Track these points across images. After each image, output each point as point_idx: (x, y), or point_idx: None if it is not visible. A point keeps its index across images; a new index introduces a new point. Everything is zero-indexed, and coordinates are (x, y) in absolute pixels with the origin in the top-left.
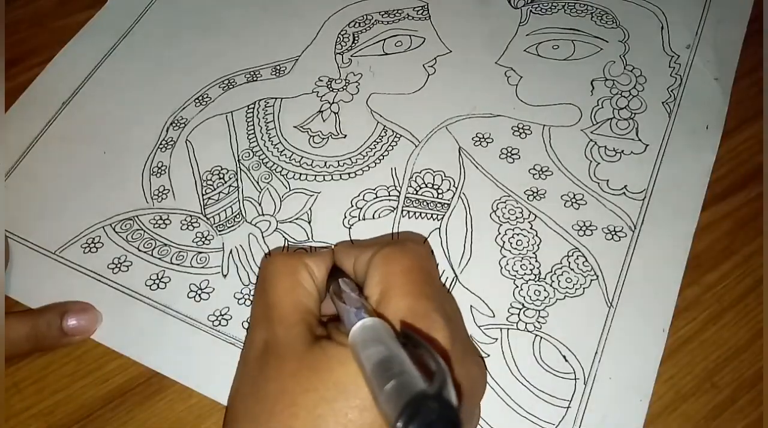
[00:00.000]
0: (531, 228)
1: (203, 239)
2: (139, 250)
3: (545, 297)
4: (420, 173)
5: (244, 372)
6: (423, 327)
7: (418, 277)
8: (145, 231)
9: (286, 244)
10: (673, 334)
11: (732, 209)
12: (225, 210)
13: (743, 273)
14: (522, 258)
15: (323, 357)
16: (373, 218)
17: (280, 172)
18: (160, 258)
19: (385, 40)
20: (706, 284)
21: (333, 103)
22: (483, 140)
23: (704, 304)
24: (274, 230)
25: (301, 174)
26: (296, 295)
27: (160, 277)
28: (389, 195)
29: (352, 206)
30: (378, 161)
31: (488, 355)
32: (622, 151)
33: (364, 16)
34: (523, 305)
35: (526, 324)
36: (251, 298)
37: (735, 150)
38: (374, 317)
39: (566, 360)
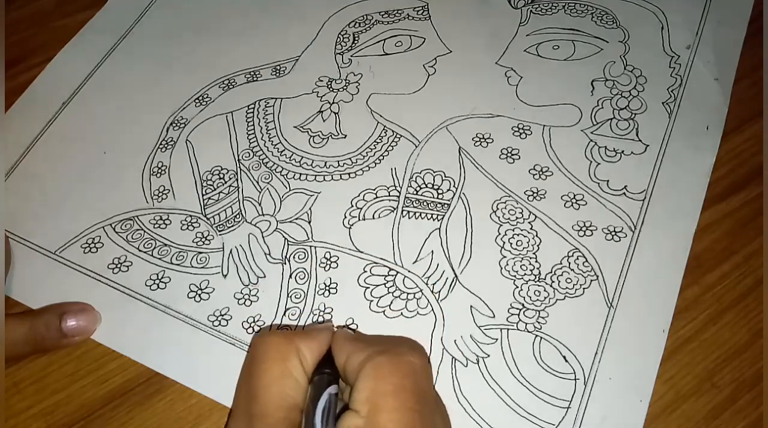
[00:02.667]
0: (531, 228)
1: (203, 239)
2: (139, 250)
3: (545, 298)
4: (420, 173)
5: None
6: None
7: (408, 402)
8: (145, 231)
9: (279, 324)
10: (673, 334)
11: (732, 209)
12: (225, 210)
13: (743, 273)
14: (522, 258)
15: None
16: (373, 218)
17: (280, 172)
18: (160, 258)
19: (385, 40)
20: (706, 284)
21: (333, 103)
22: (483, 140)
23: (704, 304)
24: (274, 230)
25: (301, 174)
26: (283, 386)
27: (160, 277)
28: (389, 195)
29: (352, 206)
30: (378, 161)
31: (488, 355)
32: (623, 151)
33: (365, 17)
34: (523, 305)
35: (526, 324)
36: (251, 298)
37: (735, 150)
38: None
39: (566, 361)
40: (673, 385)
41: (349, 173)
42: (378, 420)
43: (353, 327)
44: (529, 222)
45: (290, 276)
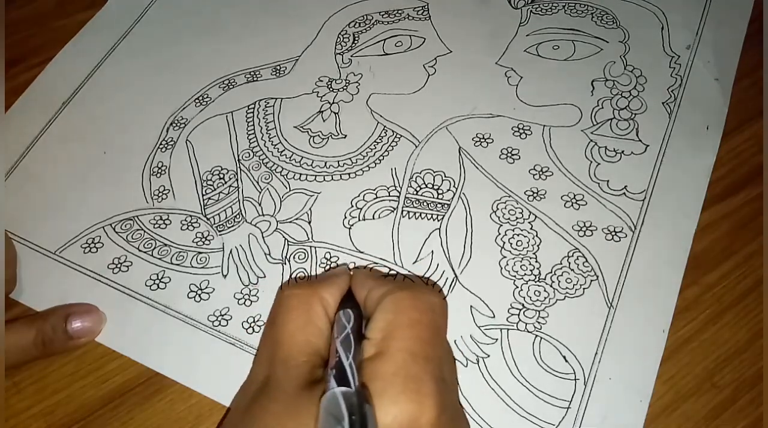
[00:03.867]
0: (531, 228)
1: (203, 240)
2: (139, 250)
3: (545, 298)
4: (420, 173)
5: (237, 405)
6: (412, 390)
7: (422, 334)
8: (145, 231)
9: (302, 273)
10: (673, 334)
11: (732, 209)
12: (225, 210)
13: (743, 273)
14: (522, 259)
15: (309, 404)
16: (373, 218)
17: (280, 172)
18: (160, 258)
19: (385, 40)
20: (706, 284)
21: (333, 103)
22: (483, 140)
23: (704, 304)
24: (274, 230)
25: (301, 174)
26: (306, 334)
27: (160, 277)
28: (389, 195)
29: (352, 206)
30: (378, 161)
31: (488, 356)
32: (623, 151)
33: (365, 17)
34: (523, 305)
35: (526, 324)
36: (251, 298)
37: (735, 150)
38: (342, 389)
39: (566, 361)
40: (673, 385)
41: (349, 173)
42: (389, 345)
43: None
44: (529, 222)
45: (290, 276)
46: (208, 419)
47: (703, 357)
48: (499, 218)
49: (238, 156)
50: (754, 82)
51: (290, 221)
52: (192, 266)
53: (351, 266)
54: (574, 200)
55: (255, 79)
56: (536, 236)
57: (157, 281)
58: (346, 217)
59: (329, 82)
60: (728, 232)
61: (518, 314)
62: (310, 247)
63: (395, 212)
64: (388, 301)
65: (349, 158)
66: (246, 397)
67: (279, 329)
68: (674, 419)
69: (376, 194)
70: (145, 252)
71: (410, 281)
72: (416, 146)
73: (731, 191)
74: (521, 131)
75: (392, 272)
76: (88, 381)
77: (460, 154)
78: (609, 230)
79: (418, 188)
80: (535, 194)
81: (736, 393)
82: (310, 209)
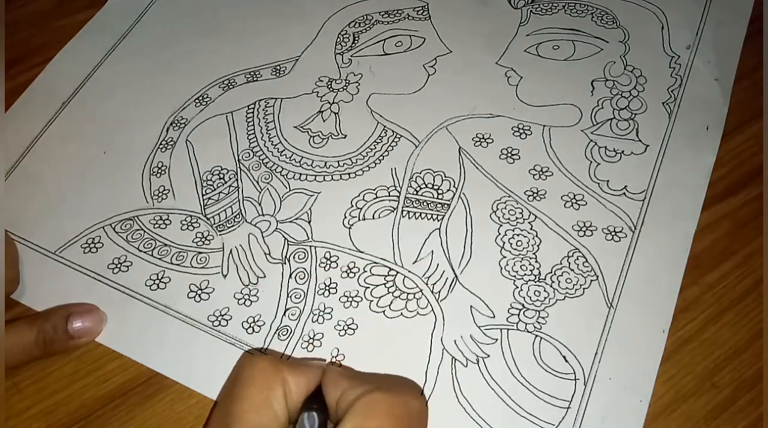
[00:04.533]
0: (531, 229)
1: (203, 240)
2: (139, 250)
3: (545, 298)
4: (420, 173)
5: None
6: None
7: None
8: (145, 231)
9: (266, 348)
10: (673, 334)
11: (732, 209)
12: (225, 210)
13: (743, 273)
14: (522, 259)
15: None
16: (373, 218)
17: (280, 172)
18: (160, 258)
19: (385, 40)
20: (706, 284)
21: (333, 103)
22: (483, 140)
23: (704, 304)
24: (274, 230)
25: (301, 174)
26: (261, 416)
27: (160, 277)
28: (389, 195)
29: (352, 206)
30: (378, 161)
31: (488, 355)
32: (623, 151)
33: (365, 17)
34: (523, 305)
35: (526, 324)
36: (251, 298)
37: (735, 150)
38: None
39: (566, 361)
40: (673, 385)
41: (349, 173)
42: None
43: (340, 360)
44: (529, 222)
45: (290, 276)
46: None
47: (703, 357)
48: (499, 218)
49: (238, 156)
50: (755, 83)
51: (290, 221)
52: (192, 266)
53: (327, 360)
54: (574, 200)
55: (255, 79)
56: (536, 236)
57: (157, 281)
58: (346, 217)
59: (329, 82)
60: (728, 232)
61: (518, 315)
62: (310, 247)
63: (395, 211)
64: (362, 403)
65: (349, 158)
66: None
67: (233, 404)
68: (674, 419)
69: (376, 194)
70: (145, 252)
71: (389, 382)
72: (416, 146)
73: (731, 191)
74: (521, 131)
75: (366, 371)
76: (88, 381)
77: (460, 154)
78: (609, 230)
79: (418, 188)
80: (535, 194)
81: (736, 393)
82: (310, 208)
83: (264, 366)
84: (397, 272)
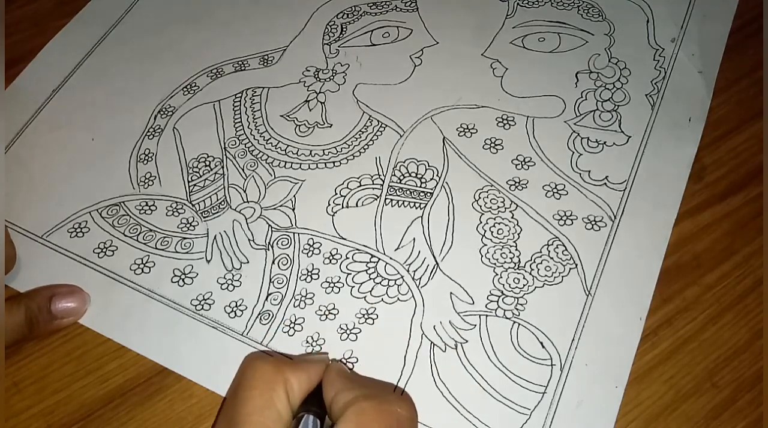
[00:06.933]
0: (512, 217)
1: (188, 225)
2: (125, 235)
3: (524, 285)
4: (404, 162)
5: None
6: None
7: None
8: (131, 217)
9: (268, 348)
10: (673, 334)
11: (732, 209)
12: (210, 197)
13: (743, 273)
14: (502, 247)
15: None
16: (357, 206)
17: (266, 160)
18: (145, 243)
19: (372, 31)
20: (706, 284)
21: (319, 92)
22: (467, 130)
23: (704, 304)
24: (258, 217)
25: (286, 162)
26: (264, 418)
27: (144, 262)
28: (373, 184)
29: (336, 193)
30: (363, 150)
31: (466, 341)
32: (605, 142)
33: (353, 8)
34: (502, 292)
35: (505, 311)
36: (234, 283)
37: (735, 150)
38: None
39: (543, 347)
40: (673, 385)
41: (333, 162)
42: None
43: (351, 360)
44: (511, 211)
45: (273, 262)
46: (208, 419)
47: (703, 357)
48: (481, 206)
49: (225, 144)
50: (754, 82)
51: (274, 208)
52: (176, 252)
53: (330, 356)
54: (555, 190)
55: (243, 68)
56: (517, 224)
57: (141, 266)
58: (329, 204)
59: (316, 72)
60: (728, 232)
61: (497, 301)
62: (294, 233)
63: (378, 199)
64: (352, 412)
65: (335, 147)
66: None
67: (237, 407)
68: (674, 419)
69: (360, 182)
70: (130, 237)
71: (380, 388)
72: (401, 136)
73: (731, 191)
74: (505, 121)
75: (361, 374)
76: (88, 381)
77: (444, 144)
78: (589, 220)
79: (401, 177)
80: (517, 184)
81: (736, 393)
82: (294, 196)
83: (265, 368)
84: (379, 259)
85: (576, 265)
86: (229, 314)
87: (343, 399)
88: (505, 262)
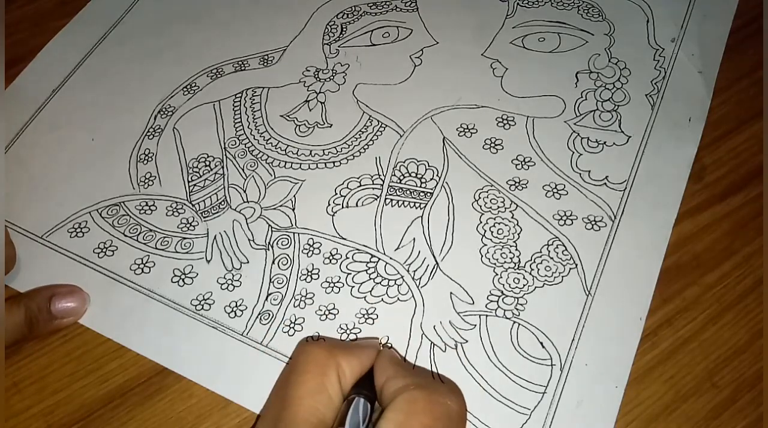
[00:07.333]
0: (512, 217)
1: (188, 225)
2: (125, 235)
3: (524, 285)
4: (404, 162)
5: None
6: None
7: None
8: (131, 217)
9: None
10: (673, 334)
11: (732, 209)
12: (210, 197)
13: (743, 273)
14: (502, 247)
15: None
16: (357, 205)
17: (266, 160)
18: (145, 243)
19: (372, 31)
20: (706, 284)
21: (320, 92)
22: (467, 130)
23: (704, 304)
24: (258, 217)
25: (286, 162)
26: (316, 401)
27: (144, 262)
28: (373, 184)
29: (336, 193)
30: (363, 150)
31: (466, 341)
32: (605, 142)
33: (353, 8)
34: (502, 292)
35: (505, 311)
36: (234, 283)
37: (735, 150)
38: None
39: (543, 347)
40: (673, 385)
41: (333, 162)
42: None
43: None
44: (511, 211)
45: (273, 262)
46: (208, 419)
47: (703, 357)
48: (481, 206)
49: (225, 144)
50: (754, 82)
51: (274, 208)
52: (176, 252)
53: (383, 341)
54: (555, 190)
55: (243, 68)
56: (517, 224)
57: (141, 266)
58: (329, 204)
59: (316, 72)
60: (728, 232)
61: (497, 301)
62: (294, 233)
63: (378, 199)
64: (402, 400)
65: (335, 147)
66: None
67: (289, 389)
68: (674, 419)
69: (360, 182)
70: (130, 237)
71: (432, 379)
72: (401, 136)
73: (731, 191)
74: (505, 121)
75: (417, 364)
76: (88, 381)
77: (444, 144)
78: (589, 220)
79: (401, 177)
80: (517, 184)
81: (736, 393)
82: (294, 196)
83: (318, 353)
84: (379, 259)
85: (576, 265)
86: (229, 314)
87: (394, 386)
88: (505, 262)
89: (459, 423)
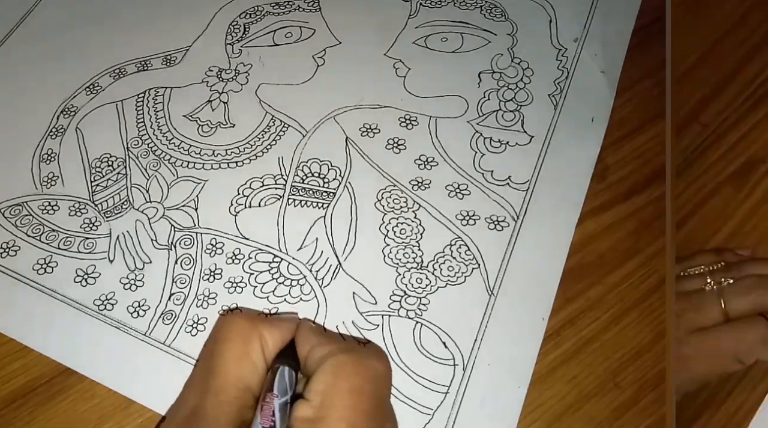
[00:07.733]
0: (415, 217)
1: (91, 225)
2: (28, 235)
3: (427, 285)
4: (307, 162)
5: None
6: None
7: (363, 404)
8: (33, 217)
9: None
10: (576, 334)
11: (636, 209)
12: (113, 197)
13: (647, 272)
14: (405, 247)
15: None
16: (260, 205)
17: (169, 160)
18: (47, 243)
19: (275, 31)
20: (610, 284)
21: (222, 93)
22: (370, 130)
23: (608, 303)
24: (161, 217)
25: (189, 162)
26: (241, 368)
27: (47, 262)
28: (276, 184)
29: (239, 193)
30: (266, 150)
31: (369, 341)
32: (507, 142)
33: (256, 8)
34: (405, 292)
35: (408, 311)
36: (137, 283)
37: (638, 150)
38: None
39: (446, 347)
40: (576, 385)
41: (236, 162)
42: (329, 413)
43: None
44: (414, 211)
45: (176, 262)
46: (110, 419)
47: (605, 357)
48: (383, 206)
49: (128, 144)
50: (658, 82)
51: (177, 208)
52: (79, 252)
53: (299, 316)
54: (458, 190)
55: (145, 68)
56: (420, 224)
57: (44, 266)
58: (232, 204)
59: (219, 72)
60: (632, 231)
61: (400, 301)
62: (196, 233)
63: (281, 199)
64: (330, 364)
65: (237, 147)
66: (173, 423)
67: (214, 358)
68: (578, 418)
69: (262, 182)
70: (33, 237)
71: (355, 344)
72: (304, 136)
73: (635, 190)
74: (408, 121)
75: (338, 330)
76: None
77: (347, 144)
78: (492, 220)
79: (304, 177)
80: (419, 184)
81: (638, 393)
82: (197, 196)
83: (240, 322)
84: (282, 259)
85: (479, 265)
86: (131, 314)
87: (320, 353)
88: (408, 262)
89: (386, 384)
